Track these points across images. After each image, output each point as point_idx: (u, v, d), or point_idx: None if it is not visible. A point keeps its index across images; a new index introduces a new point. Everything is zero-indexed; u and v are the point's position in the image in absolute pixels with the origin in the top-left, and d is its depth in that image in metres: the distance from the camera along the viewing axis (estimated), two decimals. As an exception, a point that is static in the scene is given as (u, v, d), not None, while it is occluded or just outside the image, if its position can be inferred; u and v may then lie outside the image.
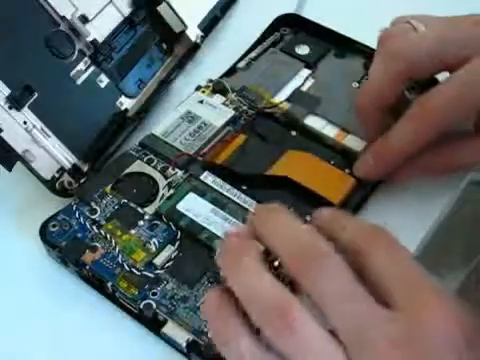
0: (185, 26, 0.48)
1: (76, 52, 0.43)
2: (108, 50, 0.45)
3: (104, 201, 0.41)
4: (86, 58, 0.44)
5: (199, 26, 0.50)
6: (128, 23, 0.46)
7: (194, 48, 0.49)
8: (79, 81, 0.43)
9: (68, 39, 0.43)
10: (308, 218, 0.40)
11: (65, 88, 0.43)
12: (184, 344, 0.36)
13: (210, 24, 0.51)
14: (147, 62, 0.47)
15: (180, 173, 0.42)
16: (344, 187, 0.41)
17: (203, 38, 0.50)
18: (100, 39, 0.44)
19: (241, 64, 0.48)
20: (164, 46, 0.48)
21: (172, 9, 0.47)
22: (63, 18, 0.43)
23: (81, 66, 0.43)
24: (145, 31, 0.47)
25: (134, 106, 0.46)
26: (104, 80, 0.45)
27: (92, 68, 0.44)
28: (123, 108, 0.46)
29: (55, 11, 0.42)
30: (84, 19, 0.43)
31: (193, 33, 0.49)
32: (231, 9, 0.52)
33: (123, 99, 0.46)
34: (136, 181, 0.42)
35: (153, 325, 0.37)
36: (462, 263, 0.43)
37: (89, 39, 0.44)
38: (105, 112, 0.45)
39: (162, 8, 0.47)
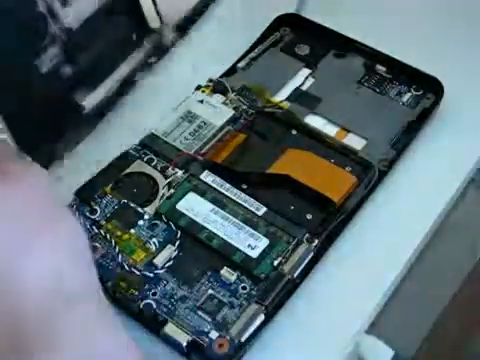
0: (162, 24, 0.46)
1: (47, 37, 0.39)
2: (81, 38, 0.41)
3: (104, 201, 0.41)
4: (57, 45, 0.40)
5: (177, 25, 0.48)
6: (105, 11, 0.42)
7: (165, 49, 0.47)
8: (43, 69, 0.39)
9: (43, 21, 0.38)
10: (309, 216, 0.40)
11: (27, 73, 0.39)
12: (184, 344, 0.35)
13: (186, 25, 0.49)
14: (114, 54, 0.44)
15: (180, 173, 0.42)
16: (344, 186, 0.41)
17: (175, 41, 0.48)
18: (75, 26, 0.40)
19: (241, 64, 0.48)
20: (133, 37, 0.45)
21: (154, 3, 0.44)
22: None
23: (50, 52, 0.39)
24: (120, 22, 0.43)
25: (93, 102, 0.43)
26: (67, 71, 0.41)
27: (60, 57, 0.40)
28: (81, 103, 0.42)
29: None
30: (64, 1, 0.39)
31: (169, 34, 0.47)
32: (231, 9, 0.52)
33: (82, 93, 0.42)
34: (136, 181, 0.42)
35: (153, 325, 0.37)
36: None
37: (66, 25, 0.40)
38: (60, 105, 0.41)
39: (144, 1, 0.44)
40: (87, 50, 0.42)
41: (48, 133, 0.41)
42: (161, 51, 0.47)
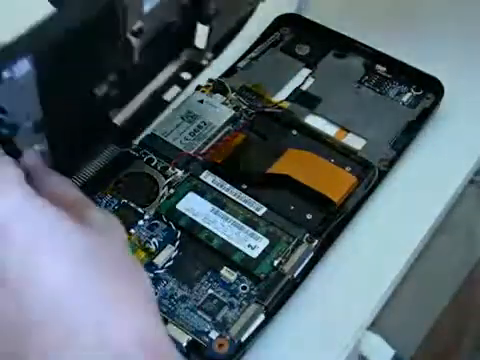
0: (208, 48, 0.43)
1: (114, 66, 0.35)
2: (137, 62, 0.36)
3: (104, 201, 0.41)
4: (116, 72, 0.36)
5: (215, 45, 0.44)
6: (163, 33, 0.38)
7: (199, 67, 0.44)
8: (98, 95, 0.35)
9: (117, 54, 0.34)
10: (309, 216, 0.40)
11: (84, 99, 0.35)
12: (184, 344, 0.35)
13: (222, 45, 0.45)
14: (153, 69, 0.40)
15: (180, 173, 0.42)
16: (344, 185, 0.41)
17: (211, 60, 0.45)
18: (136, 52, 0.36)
19: (241, 64, 0.48)
20: (175, 51, 0.42)
21: (210, 28, 0.41)
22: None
23: (109, 79, 0.35)
24: (170, 42, 0.40)
25: (122, 118, 0.40)
26: (115, 93, 0.37)
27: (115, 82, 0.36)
28: (115, 121, 0.39)
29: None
30: (139, 31, 0.35)
31: (207, 53, 0.44)
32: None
33: (116, 110, 0.39)
34: (136, 181, 0.42)
35: (153, 325, 0.37)
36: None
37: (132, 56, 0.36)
38: (100, 126, 0.39)
39: (201, 28, 0.41)
40: (136, 70, 0.38)
41: (84, 157, 0.40)
42: (195, 68, 0.45)
